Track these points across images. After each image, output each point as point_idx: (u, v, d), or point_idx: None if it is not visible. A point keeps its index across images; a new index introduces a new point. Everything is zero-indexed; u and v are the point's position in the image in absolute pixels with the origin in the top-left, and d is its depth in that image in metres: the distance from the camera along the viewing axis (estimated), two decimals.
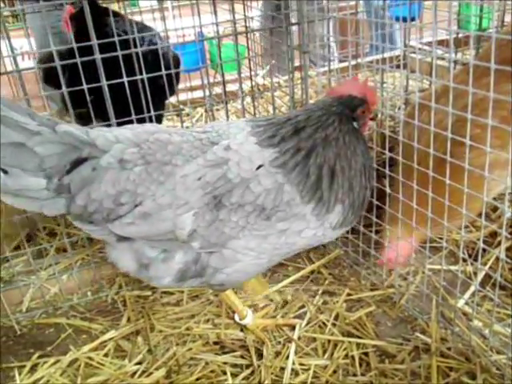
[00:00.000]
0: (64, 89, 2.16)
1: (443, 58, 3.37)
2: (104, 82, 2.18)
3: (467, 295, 2.15)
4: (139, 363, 2.07)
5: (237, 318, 2.18)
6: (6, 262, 2.51)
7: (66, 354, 2.14)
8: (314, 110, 1.70)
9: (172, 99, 3.51)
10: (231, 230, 1.64)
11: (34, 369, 2.09)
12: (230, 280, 1.81)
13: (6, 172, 1.57)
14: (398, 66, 2.71)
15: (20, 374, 2.07)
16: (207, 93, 3.18)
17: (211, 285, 1.83)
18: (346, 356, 2.00)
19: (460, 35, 3.07)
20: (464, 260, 2.22)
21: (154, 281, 1.80)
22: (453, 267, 2.28)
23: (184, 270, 1.74)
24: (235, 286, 2.16)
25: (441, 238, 2.03)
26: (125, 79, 2.21)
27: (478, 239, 1.79)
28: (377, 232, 2.30)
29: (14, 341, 2.28)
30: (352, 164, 1.68)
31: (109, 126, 2.21)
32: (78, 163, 1.63)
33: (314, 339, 2.09)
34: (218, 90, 3.65)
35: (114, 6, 3.36)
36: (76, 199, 1.64)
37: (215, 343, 2.13)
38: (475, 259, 2.20)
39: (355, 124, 1.74)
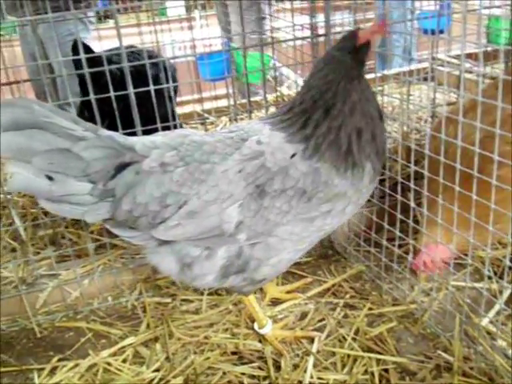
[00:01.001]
0: (92, 96, 2.20)
1: (471, 72, 3.32)
2: (131, 90, 2.21)
3: (492, 314, 2.09)
4: (157, 370, 2.06)
5: (256, 326, 2.16)
6: (30, 264, 2.54)
7: (84, 358, 2.15)
8: (336, 81, 1.71)
9: (197, 108, 3.54)
10: (276, 215, 1.70)
11: (53, 372, 2.11)
12: (272, 271, 1.87)
13: (51, 178, 1.60)
14: (425, 79, 2.69)
15: (39, 377, 2.09)
16: (232, 102, 3.20)
17: (253, 280, 1.85)
18: (366, 372, 1.97)
19: (489, 49, 3.03)
20: (489, 277, 2.17)
21: (197, 280, 1.83)
22: (477, 284, 2.23)
23: (227, 266, 1.78)
24: (273, 278, 2.17)
25: (466, 255, 1.99)
26: (151, 87, 2.24)
27: (504, 256, 1.76)
28: (400, 246, 2.27)
29: (34, 343, 2.30)
30: (372, 115, 1.75)
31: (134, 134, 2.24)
32: (121, 168, 1.66)
33: (333, 353, 2.06)
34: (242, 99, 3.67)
35: (143, 16, 3.42)
36: (122, 204, 1.67)
37: (233, 353, 2.12)
38: (501, 277, 2.14)
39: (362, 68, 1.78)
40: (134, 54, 2.60)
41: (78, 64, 2.30)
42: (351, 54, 1.74)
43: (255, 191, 1.68)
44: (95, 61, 2.24)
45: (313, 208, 1.72)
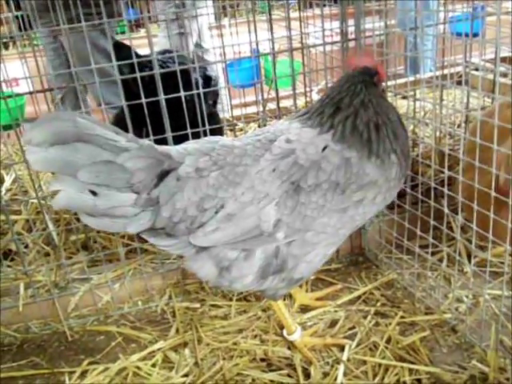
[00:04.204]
0: (124, 102, 2.23)
1: (506, 75, 3.25)
2: (162, 97, 2.23)
3: None
4: (186, 375, 2.06)
5: (285, 333, 2.14)
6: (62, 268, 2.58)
7: (114, 362, 2.17)
8: (342, 84, 1.84)
9: (226, 114, 3.56)
10: (313, 211, 1.73)
11: (83, 375, 2.13)
12: (309, 268, 1.88)
13: (94, 193, 1.60)
14: (458, 83, 2.63)
15: (70, 380, 2.11)
16: (261, 108, 3.20)
17: (291, 279, 1.86)
18: (398, 381, 1.92)
19: None
20: None
21: (235, 282, 1.83)
22: None
23: (265, 266, 1.79)
24: (311, 276, 2.16)
25: (502, 263, 1.93)
26: (182, 93, 2.26)
27: None
28: (433, 253, 2.22)
29: (66, 346, 2.33)
30: (391, 117, 1.84)
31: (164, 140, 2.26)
32: (163, 176, 1.68)
33: (364, 362, 2.02)
34: (271, 105, 3.66)
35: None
36: (161, 211, 1.68)
37: (262, 360, 2.10)
38: None
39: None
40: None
41: (120, 67, 2.32)
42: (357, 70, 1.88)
43: (290, 188, 1.71)
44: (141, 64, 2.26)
45: (346, 199, 1.75)
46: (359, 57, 2.00)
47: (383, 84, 1.99)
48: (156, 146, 1.71)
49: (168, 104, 2.26)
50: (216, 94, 2.88)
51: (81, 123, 1.55)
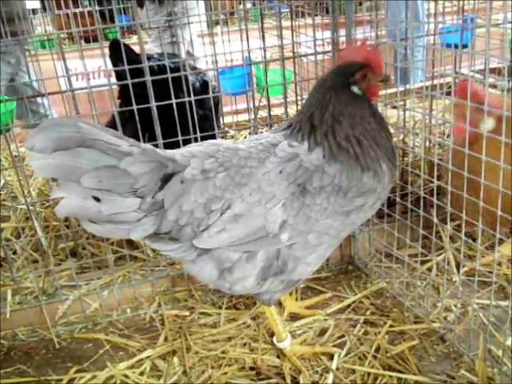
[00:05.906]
0: (114, 109, 2.23)
1: (495, 86, 3.29)
2: (153, 103, 2.23)
3: None
4: None
5: (275, 340, 2.14)
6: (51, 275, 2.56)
7: (102, 370, 2.15)
8: (313, 94, 1.86)
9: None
10: (316, 213, 1.75)
11: (70, 383, 2.11)
12: (308, 270, 1.90)
13: (98, 200, 1.59)
14: (447, 93, 2.66)
15: None
16: (252, 116, 3.21)
17: (289, 281, 1.88)
18: None
19: None
20: None
21: (236, 284, 1.83)
22: (502, 303, 2.18)
23: (266, 267, 1.80)
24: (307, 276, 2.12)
25: (490, 272, 1.95)
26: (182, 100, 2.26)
27: None
28: (422, 262, 2.23)
29: (53, 354, 2.31)
30: (367, 126, 1.81)
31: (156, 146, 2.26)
32: (166, 179, 1.68)
33: (353, 371, 2.02)
34: (263, 113, 3.68)
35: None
36: (168, 214, 1.67)
37: (251, 368, 2.10)
38: None
39: (355, 89, 1.82)
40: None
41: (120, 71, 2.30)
42: (334, 70, 1.88)
43: (297, 190, 1.73)
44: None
45: (348, 202, 1.78)
46: (352, 49, 1.99)
47: (381, 77, 1.87)
48: (159, 150, 1.71)
49: (165, 109, 2.27)
50: (216, 100, 2.88)
51: (83, 128, 1.54)
